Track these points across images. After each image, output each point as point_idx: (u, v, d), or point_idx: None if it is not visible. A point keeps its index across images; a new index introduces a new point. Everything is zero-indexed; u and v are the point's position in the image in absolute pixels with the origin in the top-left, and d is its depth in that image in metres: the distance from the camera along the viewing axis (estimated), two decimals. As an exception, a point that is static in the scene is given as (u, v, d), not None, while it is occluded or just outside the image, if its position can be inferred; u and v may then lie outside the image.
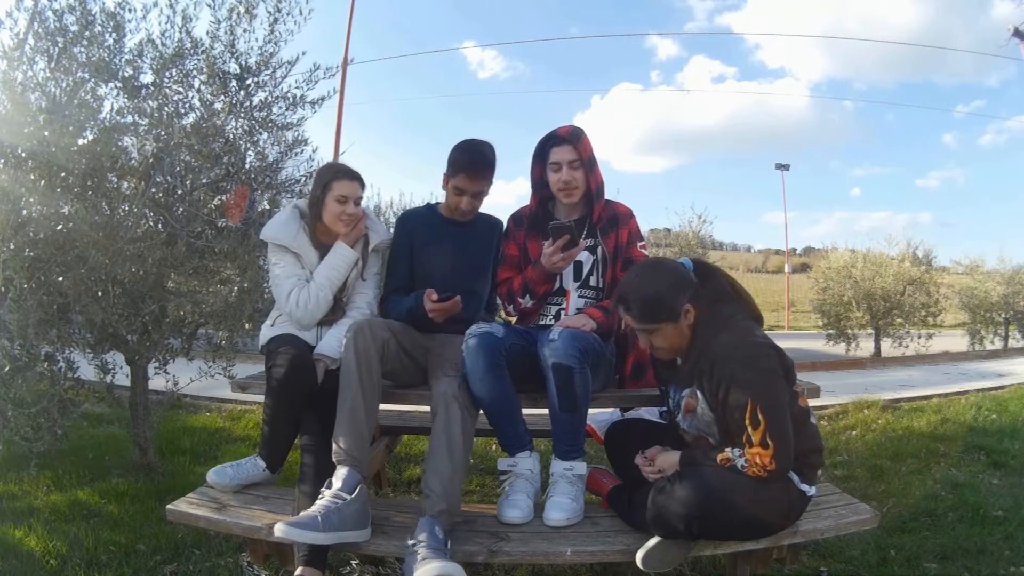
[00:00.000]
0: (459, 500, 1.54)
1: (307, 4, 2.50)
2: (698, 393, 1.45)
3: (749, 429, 1.35)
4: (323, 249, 1.88)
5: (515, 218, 2.00)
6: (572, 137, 1.85)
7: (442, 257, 1.94)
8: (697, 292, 1.47)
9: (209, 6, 2.38)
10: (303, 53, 2.60)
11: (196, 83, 2.42)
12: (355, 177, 1.87)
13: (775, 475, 1.36)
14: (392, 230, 2.06)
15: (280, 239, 1.85)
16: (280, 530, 1.39)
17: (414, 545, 1.38)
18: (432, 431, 1.58)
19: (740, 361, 1.37)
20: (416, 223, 2.02)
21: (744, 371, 1.36)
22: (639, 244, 1.92)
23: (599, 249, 1.89)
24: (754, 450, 1.35)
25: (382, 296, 2.01)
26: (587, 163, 1.85)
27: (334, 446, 1.55)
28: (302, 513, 1.44)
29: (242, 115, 2.53)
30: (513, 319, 2.02)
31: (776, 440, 1.34)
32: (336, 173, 1.86)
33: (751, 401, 1.34)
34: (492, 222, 2.04)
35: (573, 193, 1.86)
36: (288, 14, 2.48)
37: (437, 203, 2.06)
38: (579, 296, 1.89)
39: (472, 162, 1.88)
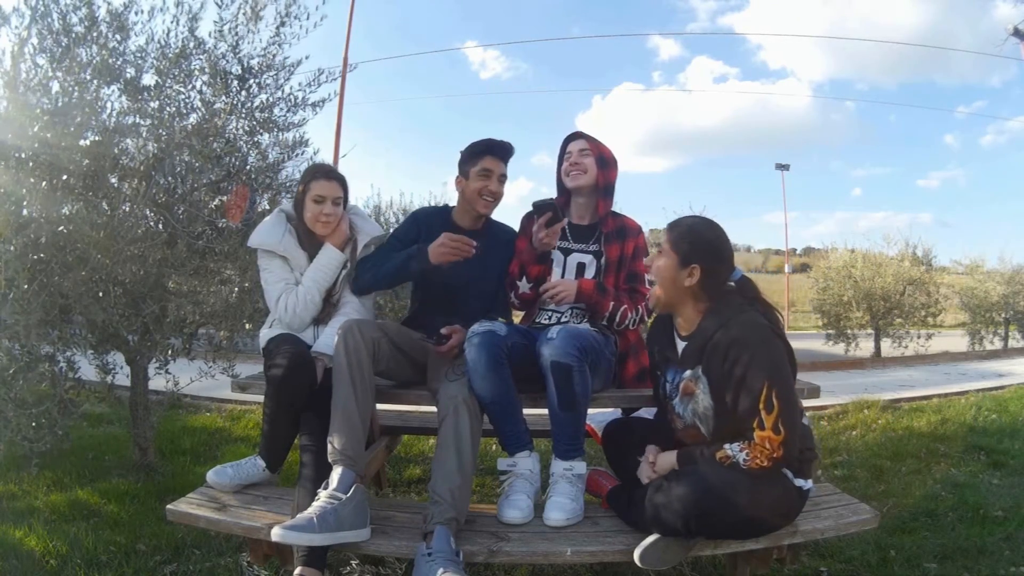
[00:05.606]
0: (467, 507, 1.54)
1: (316, 10, 2.50)
2: (702, 377, 1.45)
3: (763, 414, 1.35)
4: (311, 250, 1.88)
5: (527, 216, 2.03)
6: (587, 134, 1.98)
7: (456, 266, 1.88)
8: (717, 272, 1.48)
9: (217, 5, 2.38)
10: (306, 57, 2.61)
11: (198, 83, 2.42)
12: (333, 177, 1.86)
13: (779, 464, 1.37)
14: (392, 223, 2.06)
15: (266, 244, 1.86)
16: (276, 534, 1.38)
17: (431, 554, 1.38)
18: (440, 435, 1.57)
19: (760, 343, 1.38)
20: (429, 222, 1.98)
21: (763, 355, 1.37)
22: (644, 260, 1.91)
23: (603, 257, 1.94)
24: (765, 434, 1.35)
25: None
26: (599, 159, 1.94)
27: (329, 447, 1.55)
28: (298, 515, 1.44)
29: (243, 116, 2.53)
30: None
31: (787, 428, 1.35)
32: (315, 174, 1.86)
33: (768, 385, 1.35)
34: (510, 233, 2.03)
35: (579, 178, 1.92)
36: (296, 18, 2.49)
37: (453, 207, 2.05)
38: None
39: (494, 143, 1.92)
